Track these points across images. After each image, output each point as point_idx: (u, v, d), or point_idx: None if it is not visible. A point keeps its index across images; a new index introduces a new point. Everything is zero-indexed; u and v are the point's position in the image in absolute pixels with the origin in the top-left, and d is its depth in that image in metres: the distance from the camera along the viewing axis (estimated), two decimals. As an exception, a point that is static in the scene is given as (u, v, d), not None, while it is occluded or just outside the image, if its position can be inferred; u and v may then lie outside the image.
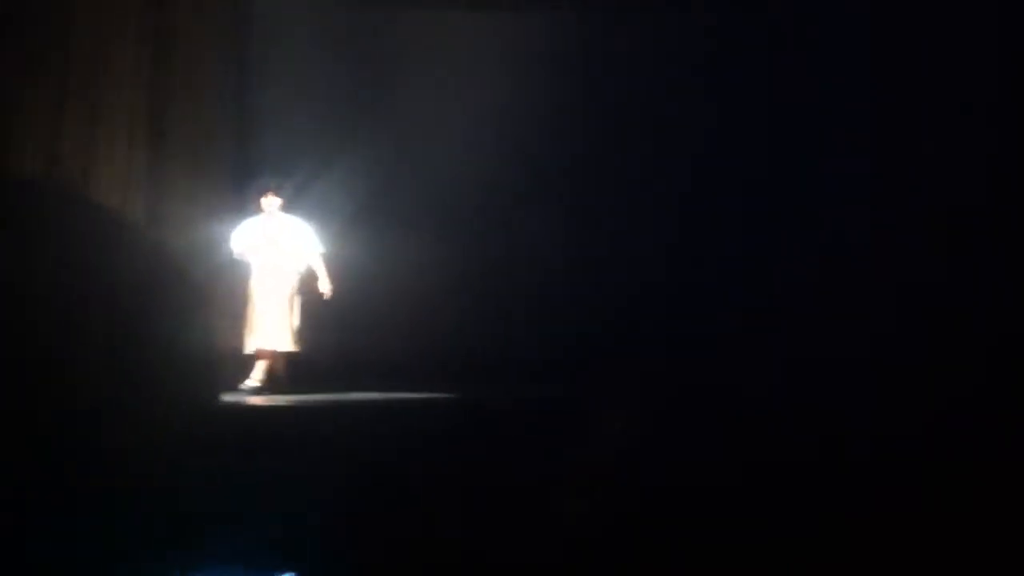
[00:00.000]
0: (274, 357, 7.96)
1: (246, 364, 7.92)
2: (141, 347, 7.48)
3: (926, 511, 4.70)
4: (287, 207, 8.12)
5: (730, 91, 8.76)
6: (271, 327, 7.85)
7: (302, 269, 8.03)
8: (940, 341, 7.27)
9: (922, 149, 7.96)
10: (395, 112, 9.10)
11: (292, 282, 7.98)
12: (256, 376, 7.91)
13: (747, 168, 8.64)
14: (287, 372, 8.00)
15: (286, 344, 7.90)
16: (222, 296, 8.05)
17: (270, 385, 7.90)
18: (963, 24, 7.93)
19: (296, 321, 7.95)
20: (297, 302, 7.99)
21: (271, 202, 8.03)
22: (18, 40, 7.73)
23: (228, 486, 5.46)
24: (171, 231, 8.02)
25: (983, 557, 4.46)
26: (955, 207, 7.79)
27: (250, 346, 7.88)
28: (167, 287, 7.75)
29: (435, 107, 9.07)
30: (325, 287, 7.97)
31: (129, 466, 5.47)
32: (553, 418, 6.14)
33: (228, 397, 7.54)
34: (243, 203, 8.16)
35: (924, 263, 7.68)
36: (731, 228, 8.67)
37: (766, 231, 8.48)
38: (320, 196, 8.58)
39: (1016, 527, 4.60)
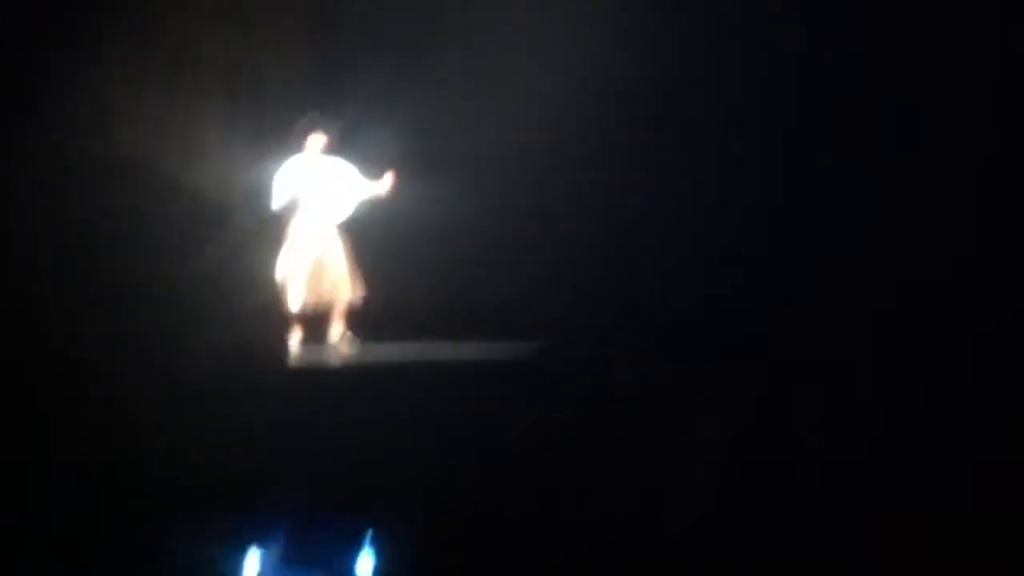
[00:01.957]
0: (334, 308, 7.68)
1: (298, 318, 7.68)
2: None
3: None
4: (332, 148, 7.72)
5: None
6: (321, 279, 7.57)
7: (349, 216, 7.70)
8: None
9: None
10: (452, 63, 8.84)
11: (335, 230, 7.66)
12: (299, 332, 7.64)
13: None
14: (349, 321, 7.75)
15: (348, 292, 7.64)
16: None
17: (331, 338, 7.69)
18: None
19: (347, 269, 7.65)
20: (346, 250, 7.69)
21: (316, 140, 7.64)
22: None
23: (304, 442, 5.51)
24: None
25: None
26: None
27: (293, 302, 7.58)
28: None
29: (497, 63, 8.82)
30: (384, 186, 7.56)
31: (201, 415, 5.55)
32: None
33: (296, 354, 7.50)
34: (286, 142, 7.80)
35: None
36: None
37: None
38: (368, 139, 8.20)
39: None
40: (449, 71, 8.80)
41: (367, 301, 7.81)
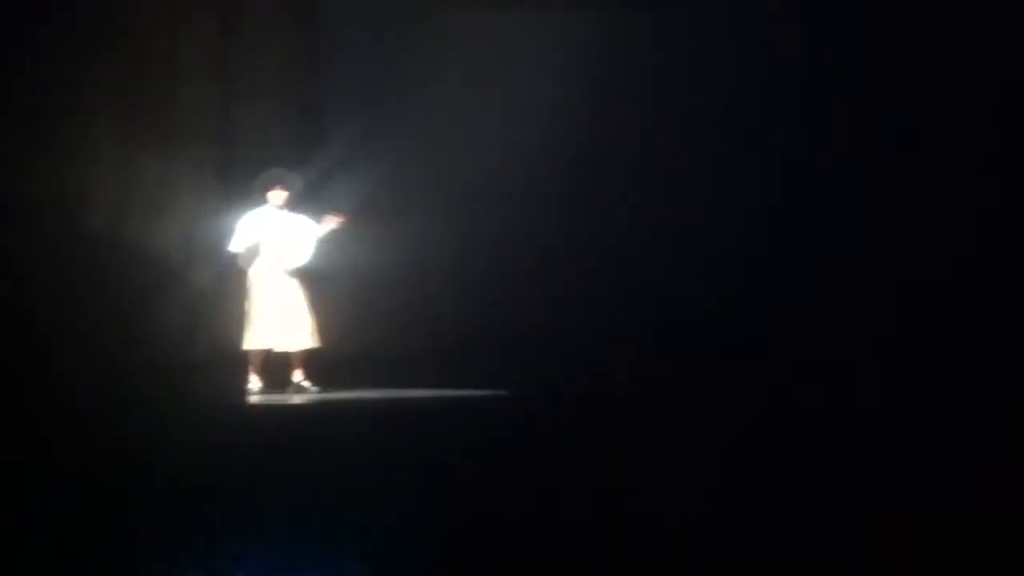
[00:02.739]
0: (295, 355, 7.72)
1: (248, 362, 7.73)
2: (153, 349, 7.60)
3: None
4: (293, 203, 7.81)
5: (760, 89, 8.69)
6: (281, 326, 7.62)
7: (305, 264, 7.74)
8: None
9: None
10: (427, 107, 8.95)
11: (297, 279, 7.72)
12: (256, 376, 7.70)
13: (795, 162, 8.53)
14: (307, 369, 7.77)
15: (304, 341, 7.67)
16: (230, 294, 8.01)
17: (279, 385, 7.72)
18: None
19: (312, 317, 7.70)
20: (307, 297, 7.72)
21: (277, 195, 7.74)
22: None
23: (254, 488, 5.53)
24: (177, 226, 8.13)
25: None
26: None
27: (249, 343, 7.66)
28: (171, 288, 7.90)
29: (470, 102, 8.92)
30: (332, 223, 7.68)
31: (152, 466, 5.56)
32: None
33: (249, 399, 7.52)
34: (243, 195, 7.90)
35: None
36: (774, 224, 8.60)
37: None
38: (336, 191, 8.38)
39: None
40: (424, 113, 8.94)
41: (329, 348, 7.85)
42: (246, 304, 7.72)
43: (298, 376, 7.79)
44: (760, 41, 8.74)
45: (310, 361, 7.82)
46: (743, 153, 8.73)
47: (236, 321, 7.78)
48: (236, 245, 7.75)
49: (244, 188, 7.98)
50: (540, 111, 8.79)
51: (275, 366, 7.84)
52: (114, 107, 8.08)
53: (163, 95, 8.27)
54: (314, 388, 7.76)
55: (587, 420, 6.16)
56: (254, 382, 7.74)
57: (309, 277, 7.82)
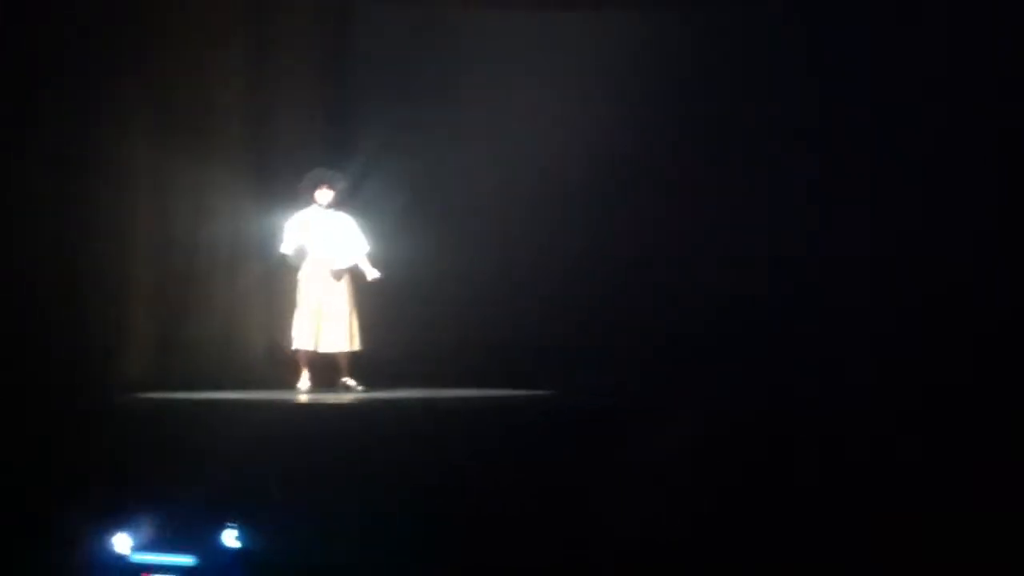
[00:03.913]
0: (337, 358, 7.83)
1: (295, 362, 7.88)
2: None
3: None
4: (339, 202, 7.93)
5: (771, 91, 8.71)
6: (322, 328, 7.72)
7: (350, 266, 7.85)
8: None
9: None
10: (459, 109, 9.06)
11: (344, 280, 7.84)
12: (306, 376, 7.83)
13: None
14: (351, 371, 7.88)
15: (347, 344, 7.78)
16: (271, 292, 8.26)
17: (328, 384, 7.83)
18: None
19: (355, 320, 7.83)
20: (351, 300, 7.85)
21: (324, 195, 7.86)
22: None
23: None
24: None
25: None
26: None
27: (296, 343, 7.77)
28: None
29: (500, 105, 8.98)
30: (372, 275, 7.79)
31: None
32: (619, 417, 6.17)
33: (284, 395, 7.61)
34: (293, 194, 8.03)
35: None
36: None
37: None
38: (376, 191, 8.49)
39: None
40: (456, 121, 9.00)
41: (374, 350, 7.98)
42: (296, 309, 7.84)
43: (344, 377, 7.90)
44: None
45: (355, 361, 7.91)
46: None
47: (285, 322, 7.93)
48: (286, 246, 7.85)
49: (286, 190, 8.10)
50: (573, 113, 8.88)
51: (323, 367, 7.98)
52: (148, 114, 8.23)
53: (197, 98, 8.37)
54: (359, 387, 7.85)
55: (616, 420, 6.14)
56: (304, 380, 7.85)
57: (355, 278, 7.92)
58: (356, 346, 7.84)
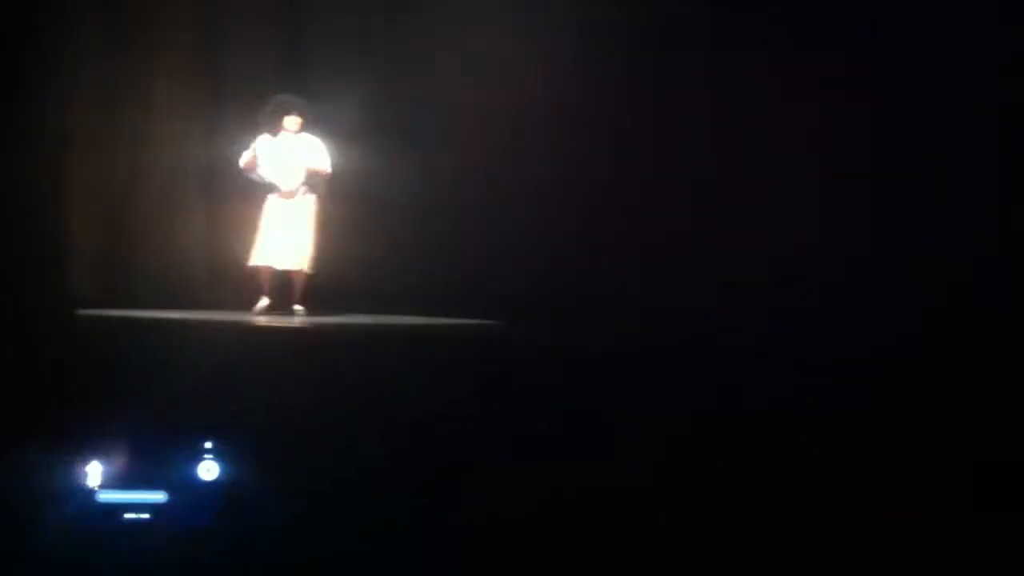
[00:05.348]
0: (291, 277, 7.95)
1: (251, 279, 7.96)
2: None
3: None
4: (305, 126, 8.03)
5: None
6: (287, 246, 7.86)
7: (318, 189, 8.00)
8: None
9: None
10: (421, 26, 8.88)
11: (310, 201, 7.98)
12: (264, 294, 7.93)
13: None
14: (304, 294, 7.98)
15: (305, 264, 7.90)
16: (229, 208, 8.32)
17: (280, 304, 7.93)
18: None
19: (314, 242, 7.94)
20: (316, 222, 7.97)
21: (293, 121, 8.00)
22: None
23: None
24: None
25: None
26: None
27: (256, 260, 7.89)
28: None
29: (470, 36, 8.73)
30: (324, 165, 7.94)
31: None
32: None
33: (239, 316, 7.65)
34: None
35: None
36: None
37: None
38: (340, 114, 8.43)
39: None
40: (420, 38, 8.85)
41: (328, 274, 8.04)
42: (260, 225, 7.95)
43: (296, 299, 7.98)
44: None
45: (308, 285, 7.99)
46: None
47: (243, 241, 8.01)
48: (251, 162, 7.95)
49: (239, 114, 8.19)
50: (543, 30, 8.63)
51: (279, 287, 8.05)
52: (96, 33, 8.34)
53: (146, 36, 8.49)
54: (302, 310, 7.94)
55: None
56: (261, 301, 7.93)
57: (322, 200, 8.02)
58: (313, 268, 7.93)
